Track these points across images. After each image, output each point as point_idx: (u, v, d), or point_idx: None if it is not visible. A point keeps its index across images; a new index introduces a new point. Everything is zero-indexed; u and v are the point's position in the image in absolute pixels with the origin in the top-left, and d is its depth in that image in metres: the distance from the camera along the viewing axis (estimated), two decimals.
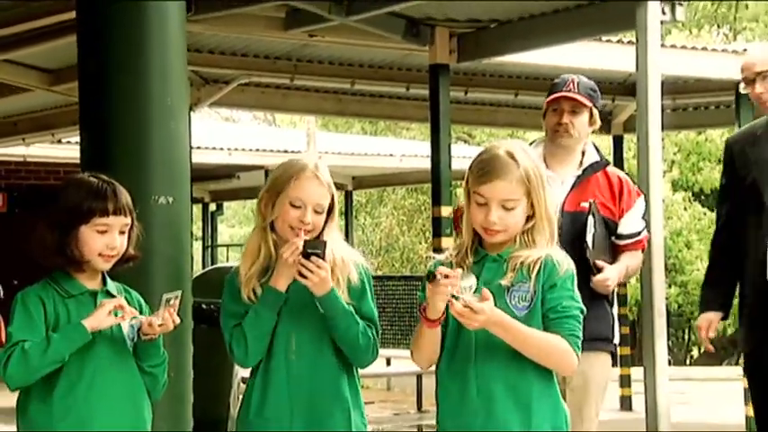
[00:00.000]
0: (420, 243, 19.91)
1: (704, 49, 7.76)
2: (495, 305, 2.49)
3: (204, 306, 7.86)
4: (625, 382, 9.24)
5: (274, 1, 5.74)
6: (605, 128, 9.23)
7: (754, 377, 3.62)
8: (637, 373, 7.70)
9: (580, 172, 3.86)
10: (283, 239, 2.81)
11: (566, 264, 2.56)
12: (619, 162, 9.30)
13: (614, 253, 3.84)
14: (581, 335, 2.56)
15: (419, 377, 9.46)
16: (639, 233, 3.90)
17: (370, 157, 12.91)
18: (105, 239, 2.67)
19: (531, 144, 3.96)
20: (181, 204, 3.53)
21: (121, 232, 2.71)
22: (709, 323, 3.70)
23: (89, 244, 2.66)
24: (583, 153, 3.91)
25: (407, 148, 13.56)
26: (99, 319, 2.61)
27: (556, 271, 2.54)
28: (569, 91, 3.84)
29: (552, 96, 3.89)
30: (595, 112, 3.91)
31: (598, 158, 3.92)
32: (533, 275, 2.53)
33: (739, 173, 3.67)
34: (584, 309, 2.59)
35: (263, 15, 6.26)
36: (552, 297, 2.53)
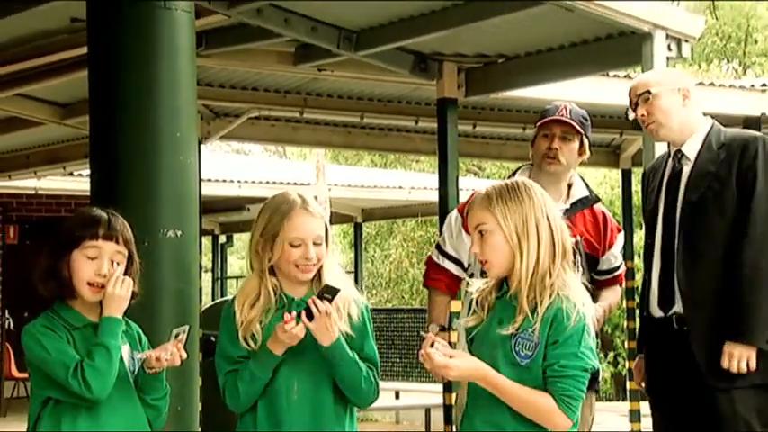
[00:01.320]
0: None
1: (711, 84, 7.80)
2: (498, 351, 2.52)
3: (213, 338, 7.89)
4: (635, 416, 9.17)
5: (283, 37, 5.81)
6: (614, 161, 9.27)
7: (655, 408, 3.57)
8: (646, 407, 7.66)
9: (567, 206, 3.77)
10: (290, 279, 2.79)
11: (575, 314, 2.48)
12: (627, 195, 9.32)
13: (594, 288, 3.77)
14: (582, 394, 2.49)
15: (428, 410, 9.42)
16: (618, 267, 3.88)
17: (378, 189, 12.97)
18: (94, 266, 2.66)
19: (515, 172, 3.90)
20: (189, 237, 3.55)
21: (115, 262, 2.69)
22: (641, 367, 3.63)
23: (78, 269, 2.66)
24: (569, 186, 3.84)
25: (416, 181, 13.61)
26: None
27: (563, 325, 2.48)
28: (562, 116, 3.77)
29: (544, 120, 3.81)
30: (586, 141, 3.82)
31: (587, 194, 3.85)
32: (538, 324, 2.49)
33: (645, 203, 3.62)
34: (595, 365, 2.51)
35: (272, 50, 6.33)
36: (553, 354, 2.48)
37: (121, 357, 2.70)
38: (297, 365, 2.75)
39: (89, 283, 2.67)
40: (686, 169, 3.44)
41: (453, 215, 3.94)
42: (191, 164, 3.59)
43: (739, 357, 3.24)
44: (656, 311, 3.44)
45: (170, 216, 3.50)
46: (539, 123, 3.85)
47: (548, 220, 2.55)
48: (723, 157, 3.38)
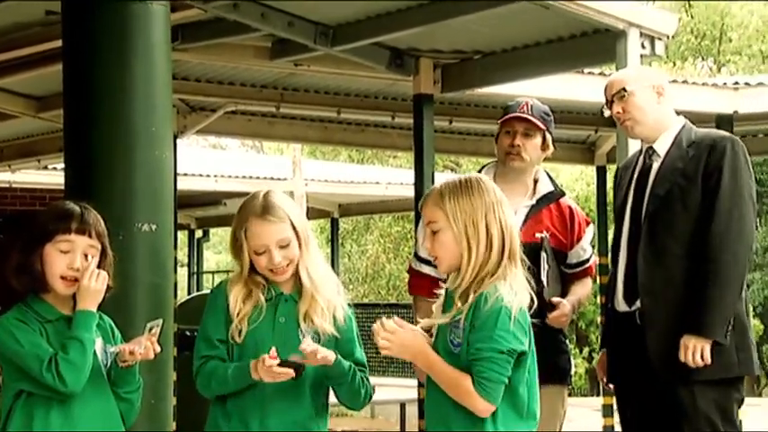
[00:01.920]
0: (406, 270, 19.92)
1: (684, 82, 7.86)
2: (438, 340, 2.59)
3: (188, 333, 7.87)
4: (608, 411, 9.26)
5: (259, 32, 5.81)
6: (589, 158, 9.32)
7: (621, 404, 3.61)
8: None
9: (533, 202, 3.81)
10: (271, 280, 2.82)
11: (493, 299, 2.52)
12: (602, 192, 9.38)
13: (564, 281, 3.83)
14: (501, 377, 2.52)
15: (402, 405, 9.46)
16: (588, 260, 3.90)
17: (355, 185, 12.98)
18: (67, 259, 2.67)
19: (482, 169, 3.94)
20: (164, 231, 3.57)
21: (89, 255, 2.70)
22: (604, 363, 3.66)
23: (51, 263, 2.66)
24: (536, 181, 3.87)
25: (393, 177, 13.63)
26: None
27: (480, 310, 2.53)
28: (523, 112, 3.80)
29: (505, 117, 3.84)
30: (548, 136, 3.85)
31: (552, 189, 3.87)
32: (464, 312, 2.55)
33: (615, 198, 3.66)
34: (514, 347, 2.54)
35: (249, 45, 6.32)
36: (471, 338, 2.53)
37: (94, 351, 2.70)
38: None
39: (62, 277, 2.68)
40: (655, 165, 3.48)
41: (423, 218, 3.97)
42: (166, 158, 3.60)
43: (694, 349, 3.27)
44: (621, 305, 3.47)
45: (145, 210, 3.51)
46: (501, 120, 3.88)
47: (498, 219, 2.60)
48: (692, 155, 3.41)
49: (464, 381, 2.53)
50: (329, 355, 2.71)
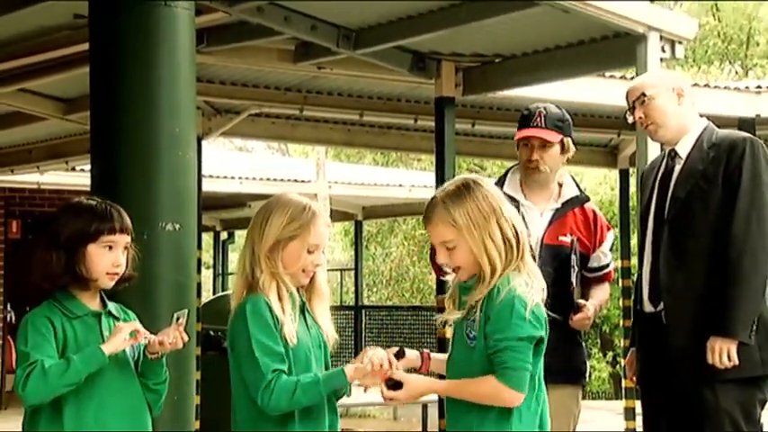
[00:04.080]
0: (430, 273, 19.93)
1: (706, 85, 7.85)
2: (456, 335, 2.64)
3: (212, 333, 7.96)
4: (630, 415, 9.24)
5: (283, 35, 5.88)
6: (611, 161, 9.32)
7: (645, 402, 3.64)
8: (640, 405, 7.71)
9: (559, 205, 3.86)
10: (291, 281, 2.77)
11: (506, 290, 2.55)
12: (625, 195, 9.38)
13: (584, 284, 3.88)
14: (524, 363, 2.55)
15: (425, 406, 9.49)
16: (608, 265, 3.95)
17: (379, 187, 13.02)
18: (112, 257, 2.76)
19: (507, 171, 3.98)
20: (188, 231, 3.62)
21: (124, 249, 2.81)
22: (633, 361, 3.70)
23: (97, 262, 2.75)
24: (560, 185, 3.92)
25: (417, 179, 13.67)
26: (116, 345, 2.69)
27: (493, 302, 2.56)
28: (537, 127, 3.83)
29: (521, 135, 3.87)
30: (567, 140, 3.87)
31: (577, 193, 3.92)
32: (479, 305, 2.58)
33: (640, 201, 3.70)
34: (534, 333, 2.55)
35: (273, 48, 6.39)
36: (488, 331, 2.56)
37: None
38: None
39: (107, 273, 2.77)
40: (677, 168, 3.52)
41: None
42: (190, 159, 3.66)
43: (720, 351, 3.31)
44: (648, 306, 3.52)
45: (169, 210, 3.57)
46: (516, 137, 3.91)
47: (507, 217, 2.63)
48: (712, 157, 3.45)
49: (486, 383, 2.54)
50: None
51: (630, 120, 3.64)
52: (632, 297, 3.76)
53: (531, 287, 2.59)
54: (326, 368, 2.83)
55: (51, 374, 2.61)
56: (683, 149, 3.52)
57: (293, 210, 2.79)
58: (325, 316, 2.86)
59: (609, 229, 3.97)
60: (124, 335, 2.70)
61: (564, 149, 3.89)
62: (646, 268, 3.53)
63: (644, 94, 3.56)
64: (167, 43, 3.58)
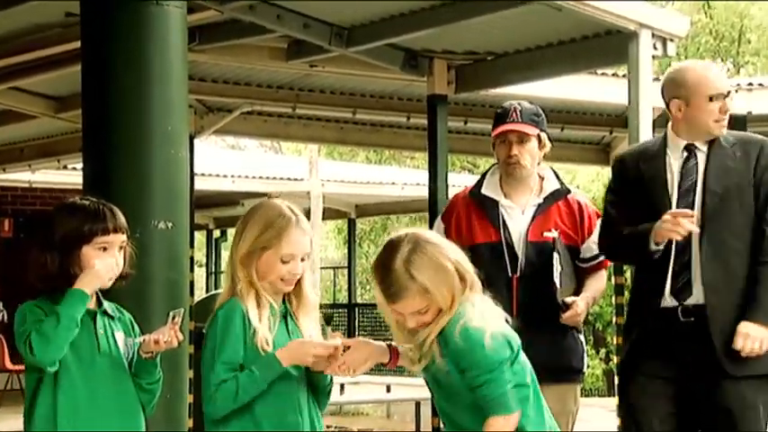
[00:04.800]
0: None
1: None
2: (430, 378, 2.66)
3: (205, 331, 7.95)
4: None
5: (275, 33, 5.88)
6: (604, 159, 9.34)
7: (639, 395, 3.56)
8: None
9: (541, 200, 3.83)
10: (269, 289, 2.78)
11: (459, 327, 2.53)
12: None
13: (578, 275, 3.84)
14: (504, 384, 2.55)
15: (418, 404, 9.52)
16: (601, 254, 3.87)
17: (372, 185, 13.04)
18: (108, 260, 2.74)
19: (486, 172, 3.95)
20: (180, 229, 3.63)
21: (120, 248, 2.79)
22: None
23: (92, 263, 2.73)
24: (542, 178, 3.89)
25: (410, 177, 13.68)
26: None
27: (451, 344, 2.55)
28: (513, 122, 3.80)
29: (498, 130, 3.84)
30: (543, 135, 3.86)
31: (558, 186, 3.88)
32: (435, 347, 2.58)
33: (632, 186, 3.60)
34: (502, 356, 2.55)
35: (265, 46, 6.39)
36: (466, 377, 2.56)
37: (116, 343, 2.78)
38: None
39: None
40: (701, 163, 3.49)
41: (436, 224, 3.99)
42: (182, 157, 3.67)
43: (753, 338, 3.32)
44: (669, 301, 3.46)
45: (161, 208, 3.58)
46: (493, 133, 3.88)
47: (456, 256, 2.60)
48: (739, 155, 3.47)
49: (489, 428, 2.55)
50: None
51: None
52: (626, 297, 3.72)
53: (483, 314, 2.58)
54: (307, 373, 2.81)
55: (45, 329, 2.62)
56: (702, 145, 3.52)
57: (267, 219, 2.79)
58: (310, 323, 2.84)
59: (598, 216, 3.87)
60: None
61: (541, 144, 3.87)
62: (670, 263, 3.45)
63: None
64: (159, 42, 3.58)
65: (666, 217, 3.35)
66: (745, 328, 3.34)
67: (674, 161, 3.53)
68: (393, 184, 13.00)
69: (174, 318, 2.76)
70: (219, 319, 2.75)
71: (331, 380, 2.89)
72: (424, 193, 7.48)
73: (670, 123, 3.60)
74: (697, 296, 3.43)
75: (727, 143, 3.50)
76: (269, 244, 2.76)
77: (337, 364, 2.71)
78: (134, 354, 2.83)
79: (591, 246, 3.86)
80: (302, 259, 2.79)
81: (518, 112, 3.83)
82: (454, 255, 2.63)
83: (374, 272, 2.65)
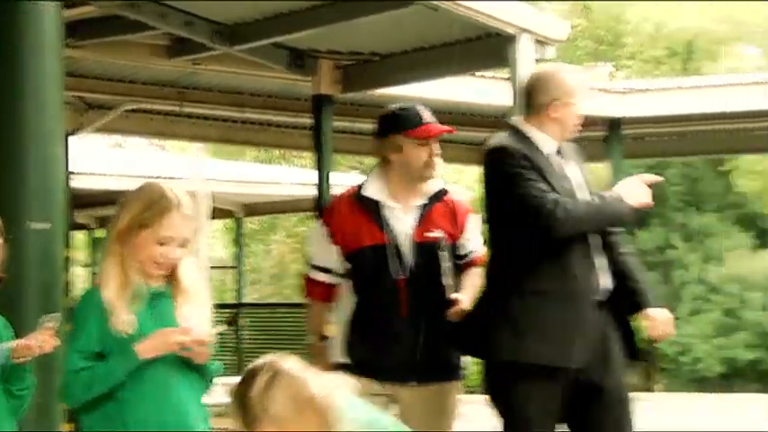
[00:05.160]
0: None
1: None
2: None
3: None
4: None
5: (155, 30, 5.79)
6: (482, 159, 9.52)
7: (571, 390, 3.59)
8: None
9: (426, 200, 3.76)
10: (143, 270, 2.74)
11: None
12: None
13: (457, 274, 3.82)
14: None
15: None
16: (476, 250, 3.87)
17: (258, 184, 12.95)
18: None
19: (368, 175, 3.85)
20: (56, 230, 3.55)
21: None
22: None
23: None
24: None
25: (297, 176, 13.64)
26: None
27: None
28: (436, 123, 3.68)
29: (427, 133, 3.65)
30: None
31: (443, 186, 3.81)
32: None
33: (529, 168, 3.61)
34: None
35: (146, 43, 6.30)
36: None
37: None
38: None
39: None
40: (567, 161, 3.60)
41: (317, 227, 3.91)
42: (57, 156, 3.59)
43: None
44: (609, 285, 3.56)
45: (36, 208, 3.49)
46: (418, 136, 3.66)
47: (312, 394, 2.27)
48: (576, 156, 3.66)
49: None
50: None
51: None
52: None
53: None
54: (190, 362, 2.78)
55: None
56: (556, 146, 3.61)
57: (150, 198, 2.76)
58: (192, 310, 2.78)
59: (470, 212, 3.85)
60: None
61: None
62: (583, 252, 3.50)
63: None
64: (32, 40, 3.50)
65: (635, 180, 3.51)
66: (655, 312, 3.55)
67: (554, 159, 3.55)
68: (280, 183, 12.94)
69: (48, 323, 2.70)
70: (76, 308, 2.74)
71: (218, 366, 2.84)
72: (311, 192, 7.50)
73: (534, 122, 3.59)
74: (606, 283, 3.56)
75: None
76: (148, 222, 2.72)
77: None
78: (6, 358, 2.76)
79: (463, 243, 3.89)
80: (182, 246, 2.75)
81: (429, 114, 3.70)
82: (316, 388, 2.26)
83: (231, 399, 2.34)
